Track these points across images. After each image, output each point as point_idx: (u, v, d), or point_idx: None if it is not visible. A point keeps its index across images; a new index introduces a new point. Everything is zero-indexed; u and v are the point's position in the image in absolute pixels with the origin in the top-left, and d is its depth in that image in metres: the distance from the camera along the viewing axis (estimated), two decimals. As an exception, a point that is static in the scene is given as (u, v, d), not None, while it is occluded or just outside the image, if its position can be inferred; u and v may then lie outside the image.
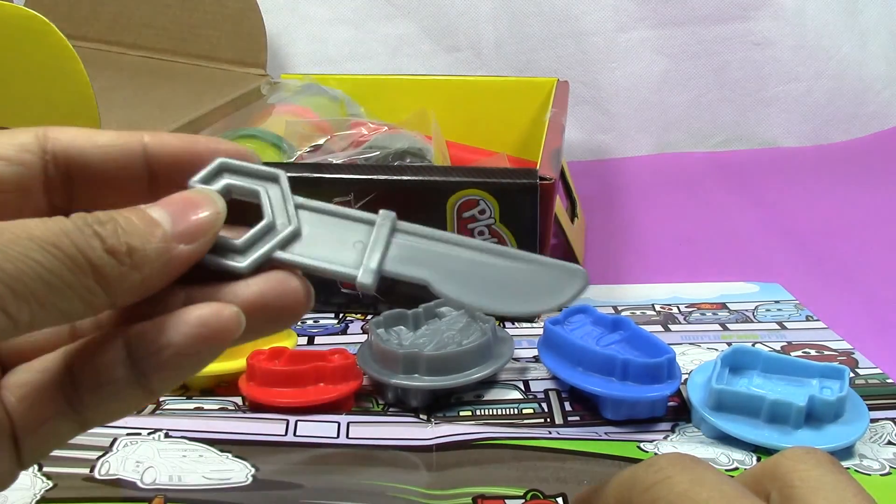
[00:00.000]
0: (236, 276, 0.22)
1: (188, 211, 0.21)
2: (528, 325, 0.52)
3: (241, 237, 0.23)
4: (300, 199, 0.24)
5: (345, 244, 0.23)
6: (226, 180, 0.23)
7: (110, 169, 0.23)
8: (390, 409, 0.43)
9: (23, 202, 0.22)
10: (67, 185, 0.23)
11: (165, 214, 0.21)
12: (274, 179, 0.24)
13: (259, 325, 0.22)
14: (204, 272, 0.22)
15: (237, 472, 0.37)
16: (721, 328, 0.52)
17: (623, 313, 0.54)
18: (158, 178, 0.23)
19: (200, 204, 0.22)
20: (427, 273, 0.23)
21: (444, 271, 0.23)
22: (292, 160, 0.59)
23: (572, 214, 0.65)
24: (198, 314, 0.21)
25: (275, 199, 0.24)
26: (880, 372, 0.46)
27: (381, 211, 0.24)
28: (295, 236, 0.23)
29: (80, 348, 0.22)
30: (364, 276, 0.23)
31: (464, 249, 0.23)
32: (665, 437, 0.41)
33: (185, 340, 0.21)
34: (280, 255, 0.23)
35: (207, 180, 0.23)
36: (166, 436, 0.39)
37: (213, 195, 0.22)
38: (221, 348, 0.21)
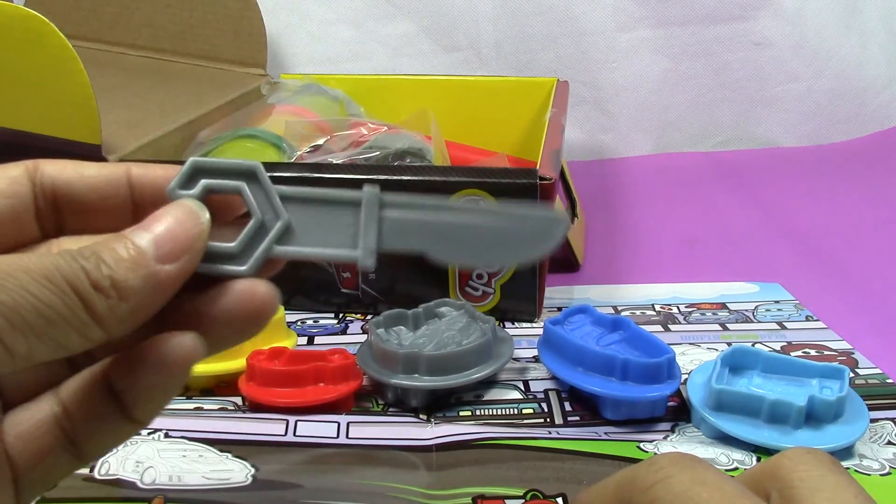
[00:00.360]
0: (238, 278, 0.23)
1: (170, 229, 0.22)
2: (528, 325, 0.52)
3: (235, 240, 0.23)
4: (283, 189, 0.24)
5: (337, 227, 0.24)
6: (203, 181, 0.23)
7: (95, 199, 0.24)
8: (390, 409, 0.43)
9: (17, 231, 0.23)
10: (57, 214, 0.24)
11: (148, 237, 0.21)
12: (252, 174, 0.24)
13: (229, 336, 0.23)
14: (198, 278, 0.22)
15: (237, 472, 0.37)
16: (721, 328, 0.52)
17: (623, 313, 0.54)
18: (143, 206, 0.24)
19: (183, 219, 0.22)
20: (422, 243, 0.24)
21: (437, 237, 0.24)
22: (292, 160, 0.59)
23: (572, 214, 0.65)
24: (158, 351, 0.21)
25: (257, 194, 0.23)
26: (880, 372, 0.46)
27: (365, 187, 0.24)
28: (287, 229, 0.23)
29: (72, 385, 0.23)
30: (364, 258, 0.23)
31: (451, 213, 0.24)
32: (665, 438, 0.41)
33: (151, 373, 0.22)
34: (277, 250, 0.23)
35: (184, 184, 0.23)
36: (166, 436, 0.39)
37: (195, 207, 0.22)
38: (186, 374, 0.22)
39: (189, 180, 0.23)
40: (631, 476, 0.21)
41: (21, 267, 0.19)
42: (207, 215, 0.22)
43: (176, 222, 0.22)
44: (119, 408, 0.22)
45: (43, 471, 0.23)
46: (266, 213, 0.23)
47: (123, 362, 0.22)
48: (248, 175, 0.24)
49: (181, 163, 0.23)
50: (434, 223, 0.24)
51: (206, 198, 0.23)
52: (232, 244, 0.23)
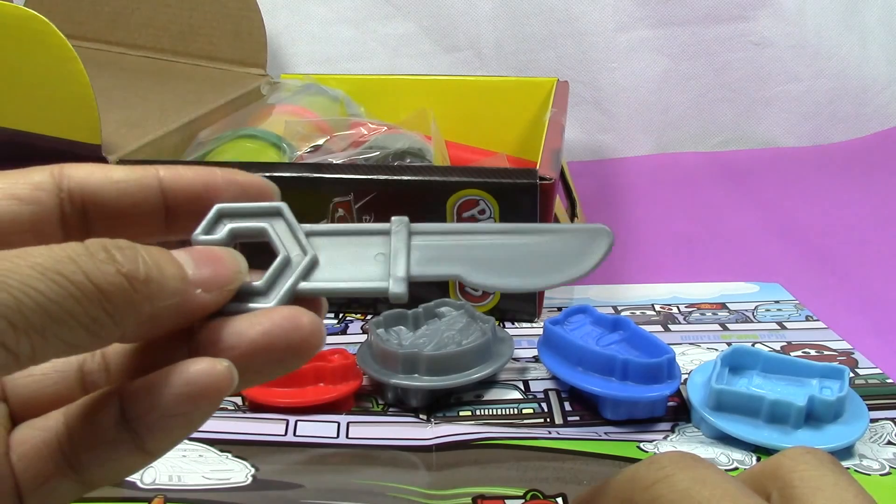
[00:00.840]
0: None
1: (211, 262, 0.21)
2: (528, 325, 0.52)
3: (261, 279, 0.22)
4: (309, 227, 0.23)
5: (365, 260, 0.23)
6: (228, 225, 0.23)
7: (127, 204, 0.22)
8: (390, 409, 0.43)
9: (39, 240, 0.21)
10: (84, 223, 0.22)
11: (189, 259, 0.20)
12: (277, 213, 0.23)
13: (265, 367, 0.21)
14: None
15: (237, 472, 0.37)
16: (721, 328, 0.52)
17: (623, 313, 0.54)
18: (176, 211, 0.23)
19: (223, 258, 0.21)
20: (455, 268, 0.23)
21: (471, 262, 0.23)
22: (292, 160, 0.59)
23: (572, 214, 0.65)
24: (186, 376, 0.20)
25: (283, 233, 0.23)
26: (880, 372, 0.46)
27: (393, 218, 0.23)
28: (314, 265, 0.22)
29: (79, 407, 0.21)
30: (395, 286, 0.22)
31: (483, 236, 0.23)
32: (665, 437, 0.41)
33: (175, 401, 0.20)
34: (304, 286, 0.22)
35: (209, 230, 0.23)
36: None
37: (236, 255, 0.22)
38: (214, 407, 0.20)
39: (214, 225, 0.23)
40: (632, 475, 0.21)
41: (27, 261, 0.17)
42: (246, 266, 0.22)
43: (217, 258, 0.21)
44: (130, 437, 0.20)
45: (44, 495, 0.21)
46: (292, 249, 0.23)
47: (142, 386, 0.20)
48: (274, 214, 0.23)
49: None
50: (465, 246, 0.23)
51: (232, 243, 0.23)
52: (258, 282, 0.22)
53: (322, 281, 0.22)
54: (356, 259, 0.23)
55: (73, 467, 0.21)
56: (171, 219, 0.23)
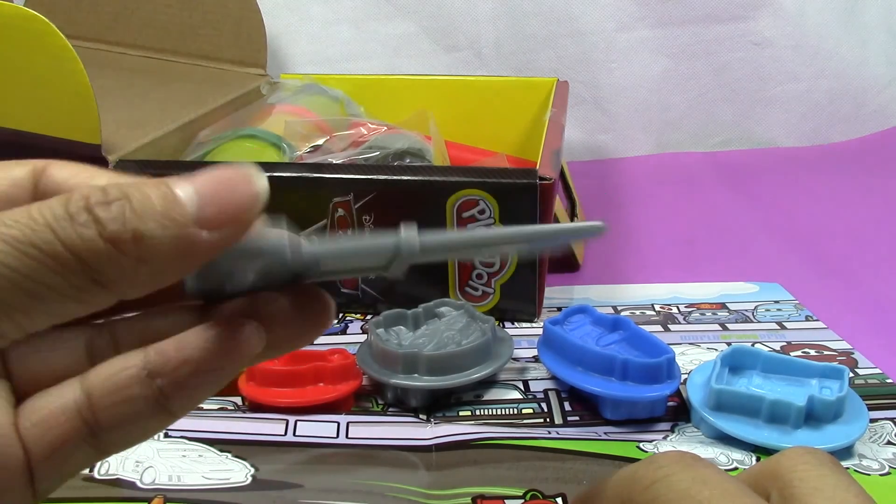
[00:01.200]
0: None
1: (219, 190, 0.18)
2: (528, 325, 0.52)
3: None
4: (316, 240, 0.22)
5: (370, 240, 0.22)
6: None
7: None
8: (390, 409, 0.43)
9: None
10: None
11: (192, 193, 0.18)
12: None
13: (285, 339, 0.21)
14: None
15: (237, 471, 0.37)
16: (721, 328, 0.52)
17: (623, 313, 0.54)
18: None
19: (236, 182, 0.19)
20: (461, 235, 0.22)
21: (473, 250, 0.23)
22: (292, 160, 0.59)
23: (572, 214, 0.65)
24: (217, 331, 0.19)
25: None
26: (880, 372, 0.46)
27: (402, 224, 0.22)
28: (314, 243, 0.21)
29: (99, 370, 0.21)
30: (407, 235, 0.21)
31: (489, 234, 0.23)
32: (665, 437, 0.41)
33: (206, 356, 0.19)
34: (309, 248, 0.20)
35: None
36: (166, 435, 0.39)
37: (253, 172, 0.19)
38: (242, 365, 0.20)
39: None
40: (631, 474, 0.21)
41: (1, 235, 0.16)
42: (266, 186, 0.19)
43: (227, 183, 0.18)
44: (155, 396, 0.20)
45: (59, 461, 0.20)
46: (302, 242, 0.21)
47: (171, 345, 0.20)
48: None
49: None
50: (471, 238, 0.22)
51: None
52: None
53: (325, 245, 0.21)
54: (361, 240, 0.22)
55: (91, 432, 0.20)
56: None
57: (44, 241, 0.16)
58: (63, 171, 0.21)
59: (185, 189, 0.18)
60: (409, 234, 0.21)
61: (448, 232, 0.22)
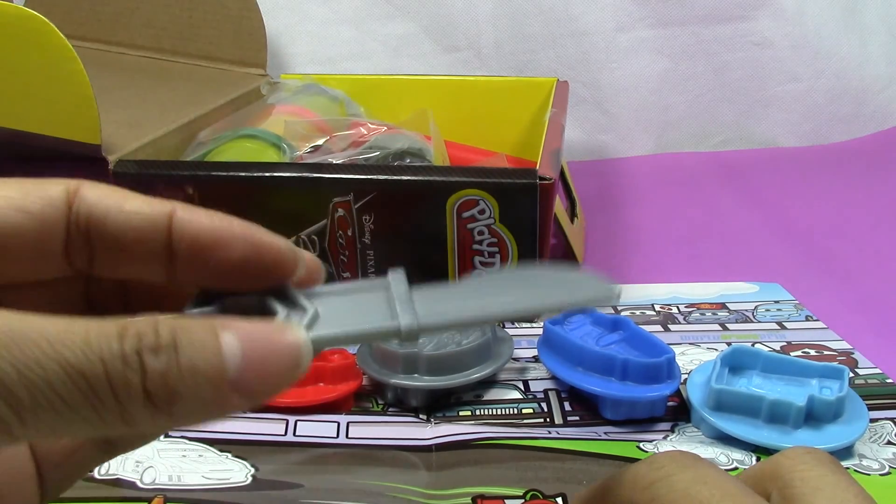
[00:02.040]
0: None
1: (267, 356, 0.18)
2: (528, 325, 0.52)
3: None
4: (308, 291, 0.22)
5: (367, 307, 0.22)
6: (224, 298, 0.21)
7: (130, 239, 0.20)
8: (390, 409, 0.43)
9: (38, 261, 0.20)
10: (88, 246, 0.21)
11: (237, 351, 0.17)
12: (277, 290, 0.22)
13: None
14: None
15: (237, 471, 0.37)
16: (721, 328, 0.52)
17: (623, 313, 0.54)
18: (179, 256, 0.21)
19: (284, 357, 0.18)
20: (460, 305, 0.21)
21: (475, 296, 0.22)
22: (292, 160, 0.59)
23: (572, 214, 0.65)
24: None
25: (281, 296, 0.22)
26: (880, 372, 0.46)
27: (389, 271, 0.22)
28: (315, 318, 0.21)
29: None
30: (404, 318, 0.21)
31: (484, 278, 0.22)
32: (665, 437, 0.41)
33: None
34: (311, 335, 0.20)
35: (200, 304, 0.21)
36: (166, 435, 0.39)
37: (304, 341, 0.18)
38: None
39: (205, 298, 0.21)
40: (632, 474, 0.21)
41: (55, 349, 0.16)
42: (310, 358, 0.19)
43: (276, 356, 0.18)
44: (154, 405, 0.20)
45: (70, 467, 0.21)
46: (291, 308, 0.21)
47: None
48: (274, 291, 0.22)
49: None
50: (466, 287, 0.22)
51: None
52: None
53: (327, 329, 0.21)
54: (357, 308, 0.22)
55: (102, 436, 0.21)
56: (173, 263, 0.21)
57: (94, 376, 0.16)
58: (94, 192, 0.21)
59: (231, 345, 0.17)
60: (407, 322, 0.21)
61: (451, 291, 0.22)
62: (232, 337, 0.17)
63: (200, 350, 0.17)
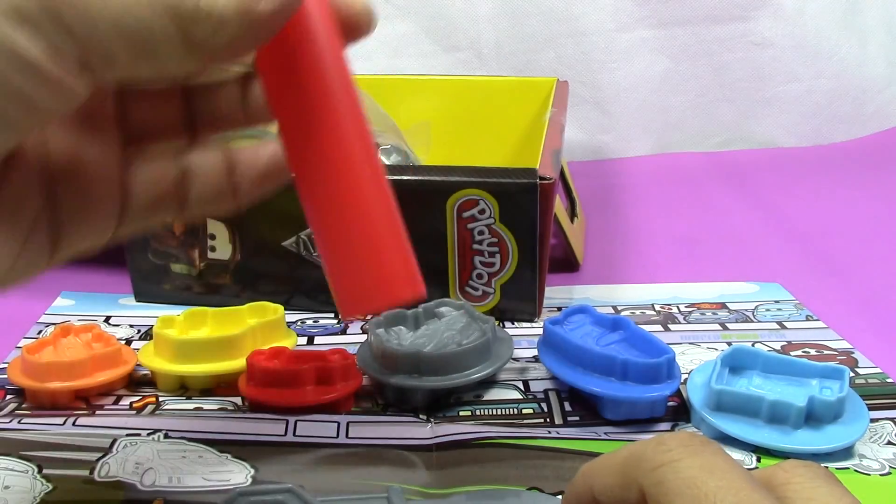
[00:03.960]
0: None
1: None
2: (528, 325, 0.52)
3: None
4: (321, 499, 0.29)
5: None
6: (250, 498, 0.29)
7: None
8: (390, 409, 0.43)
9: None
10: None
11: None
12: (289, 491, 0.29)
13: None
14: None
15: (237, 472, 0.37)
16: (721, 328, 0.52)
17: (623, 313, 0.54)
18: None
19: None
20: None
21: None
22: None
23: (572, 214, 0.65)
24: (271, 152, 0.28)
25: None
26: (880, 372, 0.46)
27: (389, 488, 0.30)
28: None
29: (197, 156, 0.28)
30: None
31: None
32: (665, 438, 0.41)
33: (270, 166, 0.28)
34: None
35: None
36: (166, 436, 0.39)
37: None
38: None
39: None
40: (639, 454, 0.21)
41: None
42: None
43: None
44: (230, 184, 0.28)
45: (149, 214, 0.28)
46: None
47: (244, 153, 0.28)
48: (286, 492, 0.29)
49: None
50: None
51: None
52: None
53: None
54: None
55: (180, 200, 0.28)
56: None
57: (157, 3, 0.21)
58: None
59: None
60: None
61: None
62: None
63: None
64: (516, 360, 0.47)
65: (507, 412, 0.43)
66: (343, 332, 0.52)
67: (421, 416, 0.42)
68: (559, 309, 0.52)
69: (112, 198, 0.27)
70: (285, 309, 0.48)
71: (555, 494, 0.35)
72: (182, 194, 0.28)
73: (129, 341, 0.50)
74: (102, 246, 0.27)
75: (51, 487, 0.35)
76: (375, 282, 0.24)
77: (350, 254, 0.24)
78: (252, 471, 0.37)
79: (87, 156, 0.26)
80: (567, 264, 0.62)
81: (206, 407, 0.43)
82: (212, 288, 0.53)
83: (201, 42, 0.21)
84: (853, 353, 0.49)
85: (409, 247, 0.25)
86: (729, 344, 0.49)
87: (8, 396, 0.43)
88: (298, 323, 0.53)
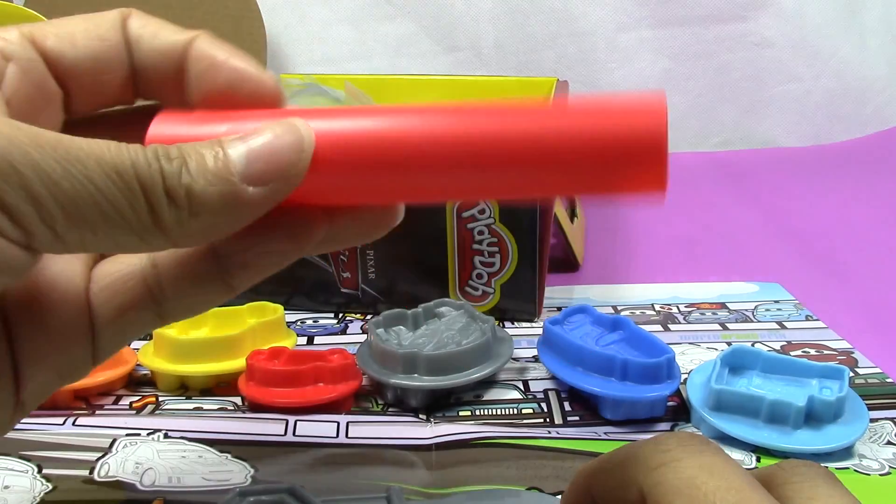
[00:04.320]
0: None
1: (268, 147, 0.20)
2: (528, 325, 0.52)
3: None
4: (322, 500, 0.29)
5: None
6: (251, 498, 0.29)
7: (89, 72, 0.23)
8: (390, 409, 0.43)
9: (104, 86, 0.23)
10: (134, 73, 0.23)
11: (242, 150, 0.20)
12: (291, 492, 0.29)
13: (351, 234, 0.23)
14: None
15: (237, 472, 0.37)
16: (721, 328, 0.52)
17: (622, 313, 0.54)
18: (147, 74, 0.23)
19: (284, 139, 0.20)
20: None
21: None
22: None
23: (572, 214, 0.65)
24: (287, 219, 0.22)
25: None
26: (880, 371, 0.46)
27: (390, 488, 0.30)
28: None
29: None
30: None
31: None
32: (665, 437, 0.41)
33: (271, 239, 0.22)
34: None
35: None
36: (165, 436, 0.39)
37: (302, 127, 0.20)
38: (305, 252, 0.22)
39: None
40: (638, 454, 0.21)
41: (94, 155, 0.18)
42: (312, 141, 0.20)
43: (276, 141, 0.20)
44: (217, 271, 0.22)
45: (122, 325, 0.22)
46: None
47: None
48: (288, 492, 0.29)
49: None
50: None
51: None
52: None
53: None
54: None
55: (155, 299, 0.22)
56: (139, 82, 0.23)
57: (128, 174, 0.18)
58: (139, 22, 0.23)
59: (236, 148, 0.20)
60: None
61: None
62: (238, 142, 0.20)
63: (207, 150, 0.19)
64: (516, 360, 0.47)
65: (507, 412, 0.43)
66: (343, 332, 0.52)
67: (421, 415, 0.42)
68: (559, 309, 0.52)
69: (79, 319, 0.22)
70: (285, 309, 0.48)
71: (555, 494, 0.35)
72: (156, 292, 0.22)
73: (128, 341, 0.50)
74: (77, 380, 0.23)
75: (51, 487, 0.35)
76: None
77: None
78: (252, 471, 0.37)
79: (45, 277, 0.22)
80: (567, 264, 0.62)
81: (205, 407, 0.43)
82: (212, 288, 0.53)
83: (170, 226, 0.19)
84: (853, 353, 0.49)
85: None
86: (729, 344, 0.49)
87: (8, 396, 0.43)
88: (298, 323, 0.53)
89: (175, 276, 0.22)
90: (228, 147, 0.20)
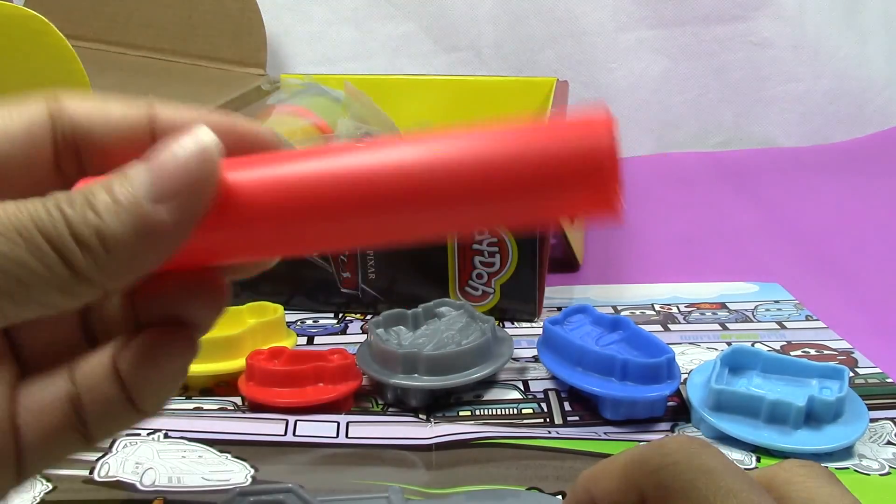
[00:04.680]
0: None
1: (172, 162, 0.18)
2: (528, 325, 0.52)
3: None
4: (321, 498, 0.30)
5: None
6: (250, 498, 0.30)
7: (117, 144, 0.21)
8: (390, 409, 0.43)
9: (32, 179, 0.21)
10: (78, 157, 0.21)
11: (145, 172, 0.18)
12: (289, 491, 0.30)
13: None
14: None
15: (237, 472, 0.37)
16: (721, 328, 0.52)
17: (623, 313, 0.54)
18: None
19: (190, 151, 0.19)
20: None
21: None
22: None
23: (572, 214, 0.65)
24: (158, 345, 0.20)
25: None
26: (880, 372, 0.46)
27: (389, 489, 0.31)
28: None
29: (83, 365, 0.21)
30: None
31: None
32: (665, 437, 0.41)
33: (153, 366, 0.20)
34: None
35: None
36: (165, 436, 0.39)
37: (206, 138, 0.19)
38: (185, 373, 0.22)
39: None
40: (639, 457, 0.21)
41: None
42: (217, 146, 0.19)
43: (178, 150, 0.19)
44: (126, 396, 0.21)
45: (49, 448, 0.21)
46: None
47: (128, 351, 0.20)
48: (287, 491, 0.30)
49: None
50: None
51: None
52: None
53: None
54: None
55: (81, 423, 0.21)
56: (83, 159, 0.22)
57: (29, 232, 0.17)
58: (77, 106, 0.21)
59: (137, 169, 0.18)
60: None
61: None
62: (139, 163, 0.18)
63: (111, 181, 0.18)
64: (516, 360, 0.47)
65: (507, 412, 0.43)
66: (343, 332, 0.52)
67: (421, 416, 0.42)
68: (559, 309, 0.52)
69: (5, 445, 0.21)
70: (285, 309, 0.48)
71: (555, 494, 0.35)
72: (81, 417, 0.21)
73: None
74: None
75: (51, 487, 0.35)
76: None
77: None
78: (252, 471, 0.37)
79: None
80: (567, 264, 0.62)
81: (206, 407, 0.43)
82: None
83: (90, 272, 0.18)
84: (853, 353, 0.49)
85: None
86: (729, 344, 0.49)
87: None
88: (298, 323, 0.53)
89: (92, 401, 0.21)
90: (130, 170, 0.18)
